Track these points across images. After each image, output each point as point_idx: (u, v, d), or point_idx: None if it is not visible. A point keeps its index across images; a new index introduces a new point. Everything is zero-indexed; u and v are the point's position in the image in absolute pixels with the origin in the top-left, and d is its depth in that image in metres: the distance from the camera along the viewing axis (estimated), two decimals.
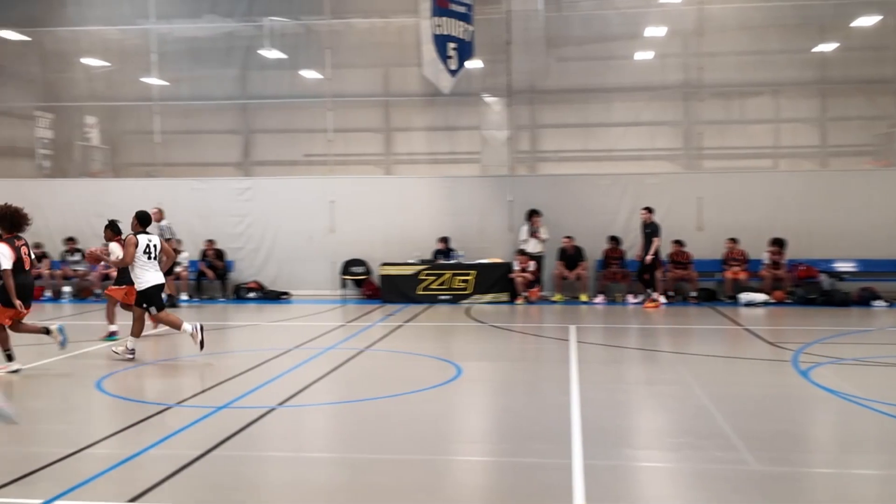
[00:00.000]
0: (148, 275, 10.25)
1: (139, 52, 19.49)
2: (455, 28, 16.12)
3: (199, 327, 10.19)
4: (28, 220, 9.64)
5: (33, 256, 9.90)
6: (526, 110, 19.36)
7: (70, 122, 21.90)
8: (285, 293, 17.75)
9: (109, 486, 5.39)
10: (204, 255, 17.67)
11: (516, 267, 16.57)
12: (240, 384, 8.65)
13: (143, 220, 10.51)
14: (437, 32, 15.86)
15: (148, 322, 10.88)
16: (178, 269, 17.44)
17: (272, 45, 19.33)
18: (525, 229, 17.00)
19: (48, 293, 17.63)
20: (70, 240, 17.97)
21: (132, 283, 10.44)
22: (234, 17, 19.25)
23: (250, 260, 18.20)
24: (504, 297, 16.52)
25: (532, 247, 16.79)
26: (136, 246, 10.10)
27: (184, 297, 17.36)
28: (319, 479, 5.74)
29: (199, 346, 10.13)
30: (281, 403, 7.70)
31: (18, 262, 9.27)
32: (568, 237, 16.82)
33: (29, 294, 9.60)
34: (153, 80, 19.53)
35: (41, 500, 5.02)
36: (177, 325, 10.31)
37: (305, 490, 5.43)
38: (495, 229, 17.61)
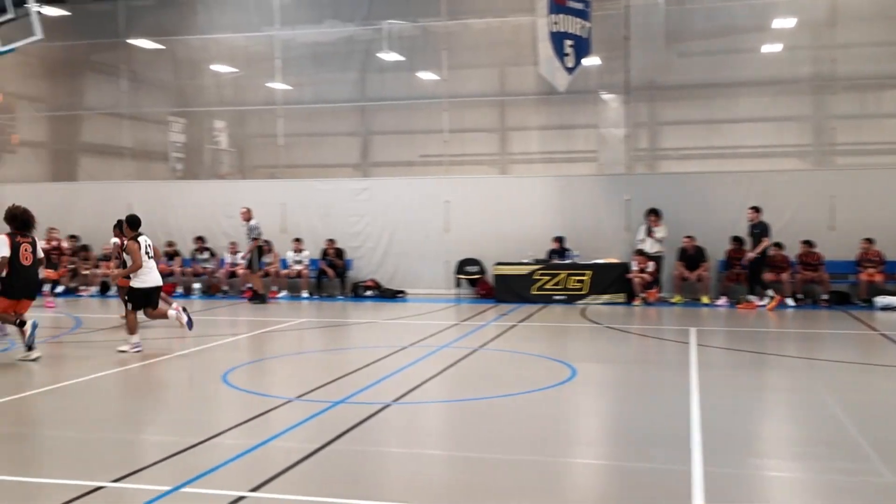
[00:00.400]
0: (149, 275, 10.75)
1: (264, 58, 20.22)
2: (572, 25, 15.92)
3: (181, 309, 10.92)
4: (35, 220, 10.24)
5: (41, 254, 10.38)
6: (645, 107, 18.92)
7: (200, 126, 22.99)
8: (401, 291, 18.02)
9: (233, 475, 5.60)
10: (324, 253, 18.15)
11: (634, 267, 16.22)
12: (356, 380, 8.82)
13: (133, 224, 11.01)
14: (554, 30, 15.71)
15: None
16: (298, 266, 18.01)
17: (390, 47, 19.67)
18: (642, 229, 16.63)
19: (179, 289, 18.51)
20: (199, 239, 18.82)
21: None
22: (355, 21, 19.68)
23: (368, 258, 18.56)
24: (621, 297, 16.20)
25: (648, 246, 16.40)
26: (140, 249, 10.63)
27: (304, 294, 17.89)
28: (434, 476, 5.78)
29: (186, 326, 10.85)
30: (396, 400, 7.80)
31: (15, 257, 9.77)
32: (688, 237, 16.33)
33: (26, 287, 10.05)
34: (277, 85, 20.22)
35: (169, 487, 5.26)
36: (164, 315, 10.92)
37: (420, 487, 5.47)
38: (611, 229, 17.30)
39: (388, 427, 7.04)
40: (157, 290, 10.94)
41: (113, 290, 18.48)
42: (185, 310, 11.03)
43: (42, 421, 7.52)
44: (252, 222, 17.15)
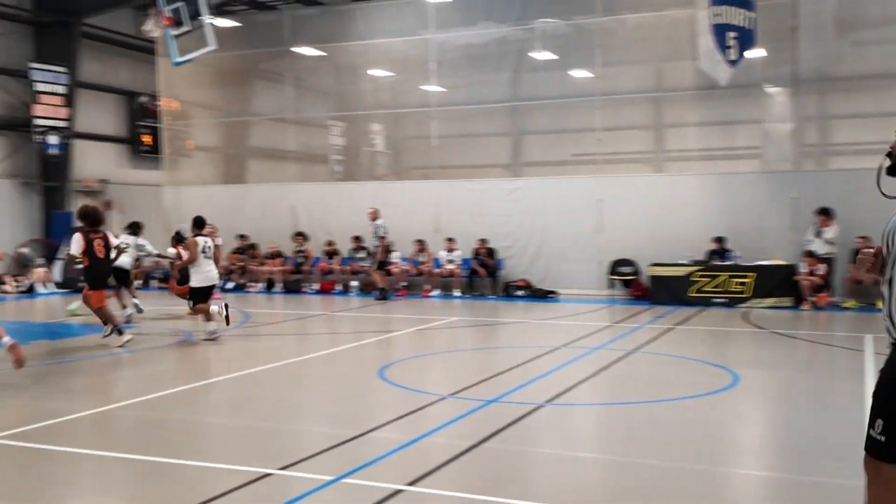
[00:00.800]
0: (203, 274, 11.79)
1: (419, 61, 20.63)
2: (735, 16, 15.26)
3: (223, 305, 11.81)
4: (104, 217, 11.58)
5: (116, 244, 11.89)
6: (814, 100, 17.85)
7: (358, 129, 23.78)
8: (552, 292, 17.89)
9: (390, 468, 5.74)
10: (476, 253, 18.31)
11: (803, 269, 15.34)
12: (509, 379, 8.84)
13: (198, 224, 12.24)
14: (716, 22, 15.11)
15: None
16: (451, 266, 18.26)
17: (543, 46, 19.57)
18: (811, 229, 15.71)
19: (338, 287, 19.21)
20: (356, 238, 19.42)
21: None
22: (508, 22, 19.72)
23: (519, 258, 18.56)
24: (787, 301, 15.37)
25: (818, 247, 15.47)
26: (197, 246, 11.73)
27: (456, 293, 18.12)
28: (587, 479, 5.70)
29: (224, 322, 11.68)
30: (549, 401, 7.75)
31: (90, 251, 10.91)
32: (862, 237, 15.25)
33: (101, 279, 11.24)
34: (431, 87, 20.59)
35: (331, 477, 5.46)
36: (208, 313, 11.72)
37: (573, 489, 5.41)
38: (776, 229, 16.42)
39: (541, 428, 7.01)
40: (212, 287, 12.02)
41: (278, 287, 19.45)
42: (226, 306, 11.97)
43: (213, 409, 8.00)
44: (378, 222, 17.74)
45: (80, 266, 11.32)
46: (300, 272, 19.58)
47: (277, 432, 6.85)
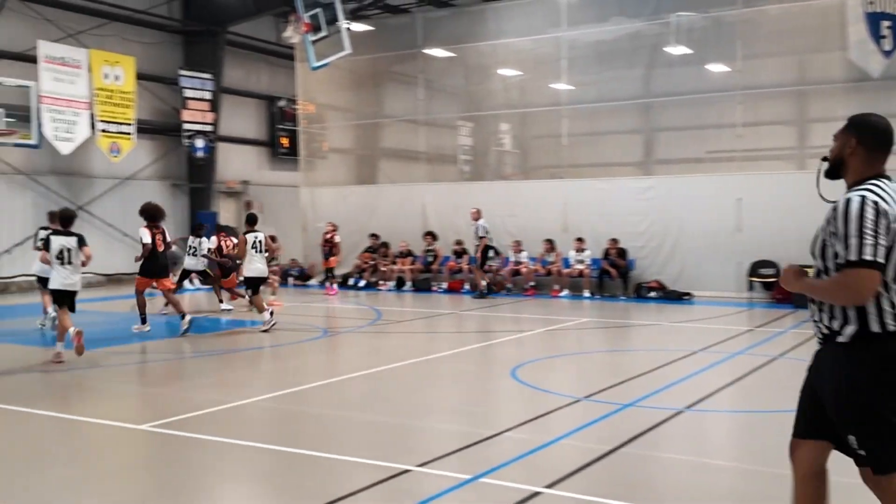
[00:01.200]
0: (254, 265, 12.76)
1: (549, 60, 20.47)
2: (890, 4, 14.33)
3: (270, 312, 12.45)
4: (164, 213, 12.72)
5: (168, 240, 12.62)
6: None
7: (487, 129, 23.84)
8: (687, 294, 17.33)
9: (524, 470, 5.70)
10: (606, 253, 17.99)
11: None
12: (644, 383, 8.62)
13: (251, 221, 13.23)
14: (869, 10, 14.24)
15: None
16: (580, 266, 18.02)
17: (678, 41, 18.99)
18: None
19: (466, 286, 19.31)
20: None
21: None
22: (641, 17, 19.26)
23: (652, 259, 18.09)
24: None
25: None
26: (247, 242, 12.75)
27: (586, 293, 17.87)
28: (726, 489, 5.47)
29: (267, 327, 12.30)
30: (688, 407, 7.50)
31: (152, 244, 12.07)
32: None
33: (160, 270, 12.37)
34: (561, 86, 20.38)
35: (467, 476, 5.47)
36: (261, 308, 12.55)
37: (707, 498, 5.21)
38: None
39: (679, 434, 6.79)
40: (262, 279, 13.11)
41: (408, 286, 19.75)
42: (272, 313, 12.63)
43: (348, 404, 8.19)
44: (481, 222, 17.87)
45: (141, 256, 12.43)
46: (429, 271, 19.82)
47: (411, 429, 6.94)
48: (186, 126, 22.50)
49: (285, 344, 11.67)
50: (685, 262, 17.70)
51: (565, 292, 18.11)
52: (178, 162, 23.45)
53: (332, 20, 18.87)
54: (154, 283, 12.57)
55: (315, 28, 19.09)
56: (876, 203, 3.35)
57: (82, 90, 19.41)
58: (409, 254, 20.18)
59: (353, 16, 20.92)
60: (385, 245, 20.74)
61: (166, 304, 13.88)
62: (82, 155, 20.39)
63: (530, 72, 21.62)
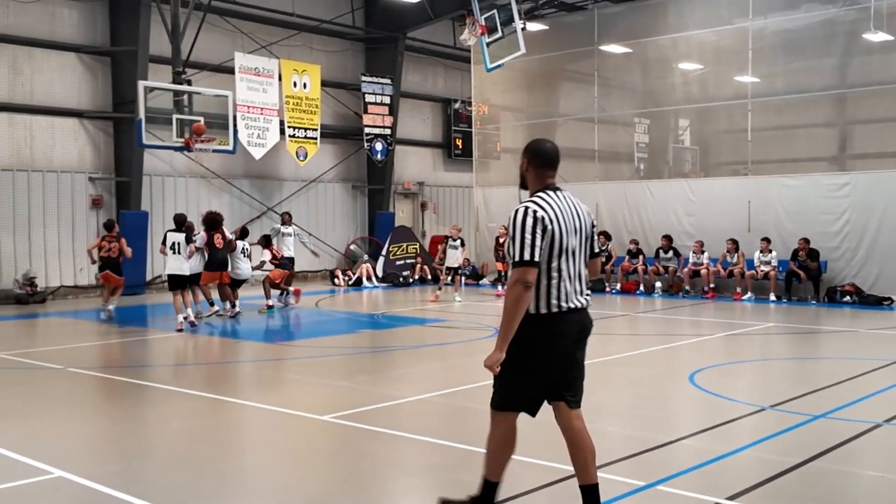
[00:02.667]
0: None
1: (733, 52, 19.54)
2: None
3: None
4: (222, 219, 14.47)
5: (231, 238, 14.53)
6: None
7: (664, 125, 23.08)
8: (887, 299, 15.98)
9: (703, 480, 5.44)
10: (795, 254, 16.92)
11: None
12: (837, 394, 8.02)
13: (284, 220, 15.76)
14: None
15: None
16: (765, 268, 17.06)
17: (877, 26, 17.53)
18: None
19: (641, 287, 18.79)
20: (666, 237, 18.82)
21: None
22: (836, 2, 17.98)
23: (846, 261, 16.83)
24: None
25: None
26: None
27: (772, 297, 16.89)
28: None
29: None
30: (887, 420, 6.89)
31: (211, 243, 13.86)
32: None
33: (220, 265, 14.15)
34: (746, 79, 19.37)
35: (642, 483, 5.30)
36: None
37: None
38: None
39: (876, 449, 6.26)
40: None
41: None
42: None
43: None
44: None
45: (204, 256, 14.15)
46: (602, 271, 19.46)
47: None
48: (367, 130, 23.37)
49: (456, 342, 11.84)
50: (885, 264, 16.33)
51: (749, 295, 17.21)
52: (359, 164, 24.40)
53: (508, 21, 18.95)
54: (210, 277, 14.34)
55: (491, 30, 19.25)
56: (535, 212, 4.28)
57: (273, 98, 20.63)
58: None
59: (529, 16, 20.92)
60: None
61: (286, 298, 15.89)
62: (272, 159, 21.68)
63: (712, 65, 20.72)
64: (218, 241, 14.16)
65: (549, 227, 4.27)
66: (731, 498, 4.99)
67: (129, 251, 14.50)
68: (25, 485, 5.47)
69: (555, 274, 4.33)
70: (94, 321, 14.37)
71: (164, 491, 5.37)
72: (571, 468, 5.57)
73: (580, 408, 4.65)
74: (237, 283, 14.85)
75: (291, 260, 16.66)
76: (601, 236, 19.64)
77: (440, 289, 18.20)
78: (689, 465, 5.72)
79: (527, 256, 4.21)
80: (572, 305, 4.41)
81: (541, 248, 4.23)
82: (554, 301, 4.34)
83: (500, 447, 4.61)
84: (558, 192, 4.45)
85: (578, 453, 4.57)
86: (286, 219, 17.45)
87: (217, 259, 14.16)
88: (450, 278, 18.09)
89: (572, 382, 4.59)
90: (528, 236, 4.21)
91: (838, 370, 9.40)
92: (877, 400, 7.76)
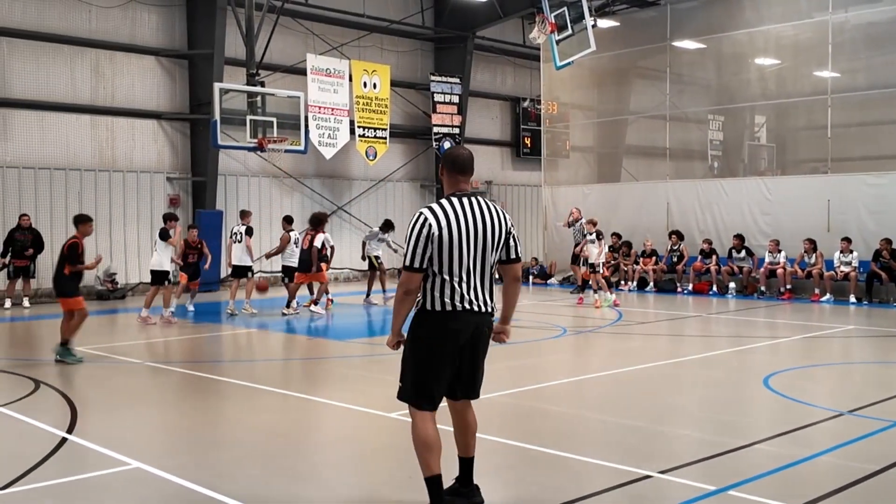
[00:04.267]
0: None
1: (812, 46, 18.97)
2: None
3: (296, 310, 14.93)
4: (326, 219, 15.32)
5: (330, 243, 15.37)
6: None
7: (740, 122, 22.55)
8: None
9: (777, 486, 5.30)
10: (877, 254, 16.32)
11: None
12: None
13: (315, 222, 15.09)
14: None
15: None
16: (846, 269, 16.52)
17: None
18: None
19: (714, 288, 18.38)
20: (738, 237, 18.39)
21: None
22: None
23: None
24: None
25: None
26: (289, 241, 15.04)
27: (852, 298, 16.33)
28: None
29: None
30: None
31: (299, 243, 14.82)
32: None
33: (304, 263, 14.77)
34: (826, 73, 18.77)
35: (713, 488, 5.19)
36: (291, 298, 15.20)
37: None
38: None
39: None
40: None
41: (650, 286, 19.19)
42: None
43: (589, 405, 8.09)
44: (583, 220, 17.57)
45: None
46: (674, 271, 19.12)
47: (653, 434, 6.72)
48: (435, 129, 23.47)
49: (526, 341, 11.79)
50: None
51: (827, 297, 16.68)
52: (427, 164, 24.53)
53: (578, 18, 18.77)
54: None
55: (560, 27, 19.10)
56: (425, 219, 4.58)
57: (344, 98, 20.90)
58: (653, 253, 19.61)
59: (599, 12, 20.69)
60: (628, 244, 20.29)
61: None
62: (342, 159, 21.97)
63: (790, 60, 20.15)
64: (304, 239, 14.90)
65: (437, 232, 4.56)
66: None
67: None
68: (105, 475, 5.68)
69: (446, 276, 4.61)
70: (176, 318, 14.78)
71: (238, 483, 5.49)
72: (638, 470, 5.53)
73: (475, 398, 5.00)
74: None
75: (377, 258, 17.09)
76: (673, 236, 19.32)
77: (595, 292, 16.48)
78: (762, 470, 5.57)
79: (407, 262, 4.60)
80: (466, 307, 4.65)
81: (424, 255, 4.56)
82: (447, 300, 4.62)
83: (419, 441, 4.74)
84: (466, 198, 4.69)
85: (463, 435, 4.97)
86: (387, 226, 17.46)
87: (304, 259, 14.83)
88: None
89: (464, 378, 4.86)
90: (412, 242, 4.57)
91: None
92: None
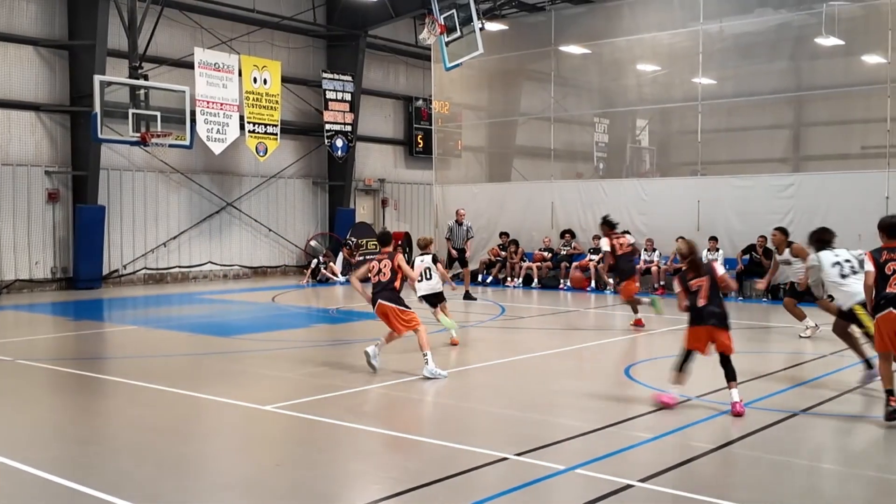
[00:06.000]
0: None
1: (687, 54, 19.94)
2: None
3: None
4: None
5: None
6: None
7: (623, 125, 23.50)
8: (831, 297, 16.46)
9: (626, 463, 5.73)
10: (751, 249, 17.26)
11: None
12: (771, 385, 8.38)
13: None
14: None
15: None
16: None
17: (828, 31, 18.04)
18: None
19: (593, 284, 19.11)
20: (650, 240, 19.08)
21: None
22: (787, 6, 18.46)
23: None
24: None
25: None
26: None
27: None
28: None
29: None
30: (805, 410, 7.25)
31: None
32: None
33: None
34: (699, 80, 19.81)
35: (563, 466, 5.56)
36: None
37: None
38: None
39: (786, 437, 6.59)
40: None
41: (534, 283, 19.79)
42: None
43: (468, 395, 8.40)
44: (468, 223, 18.33)
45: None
46: (557, 268, 19.79)
47: (517, 420, 7.07)
48: (327, 126, 23.48)
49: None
50: None
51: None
52: (320, 161, 24.50)
53: (467, 21, 19.16)
54: None
55: (450, 29, 19.44)
56: None
57: (233, 93, 20.64)
58: (549, 250, 20.22)
59: (488, 16, 21.17)
60: (515, 242, 20.86)
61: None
62: (232, 155, 21.70)
63: (668, 66, 21.15)
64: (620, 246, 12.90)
65: None
66: (643, 480, 5.29)
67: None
68: None
69: None
70: (48, 315, 14.34)
71: (106, 477, 5.53)
72: (498, 453, 5.83)
73: None
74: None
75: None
76: (567, 234, 19.97)
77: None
78: (613, 449, 6.01)
79: None
80: None
81: None
82: None
83: None
84: None
85: None
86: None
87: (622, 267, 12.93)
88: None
89: None
90: None
91: (771, 363, 9.76)
92: (799, 390, 8.13)
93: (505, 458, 5.78)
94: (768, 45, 19.36)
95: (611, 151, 23.57)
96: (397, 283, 8.96)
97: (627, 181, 20.76)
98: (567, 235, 20.06)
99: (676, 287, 7.61)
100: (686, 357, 7.44)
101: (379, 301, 8.95)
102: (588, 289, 19.00)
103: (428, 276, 10.88)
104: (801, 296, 11.33)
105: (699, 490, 5.20)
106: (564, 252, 19.90)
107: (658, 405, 7.34)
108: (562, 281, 19.56)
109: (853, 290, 8.15)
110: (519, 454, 5.87)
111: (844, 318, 8.42)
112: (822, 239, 8.94)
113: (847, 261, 8.50)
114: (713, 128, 19.60)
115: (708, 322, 7.27)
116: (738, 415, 6.98)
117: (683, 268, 7.58)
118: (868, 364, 8.09)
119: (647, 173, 22.73)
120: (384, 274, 8.96)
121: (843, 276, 8.39)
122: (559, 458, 5.85)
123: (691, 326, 7.42)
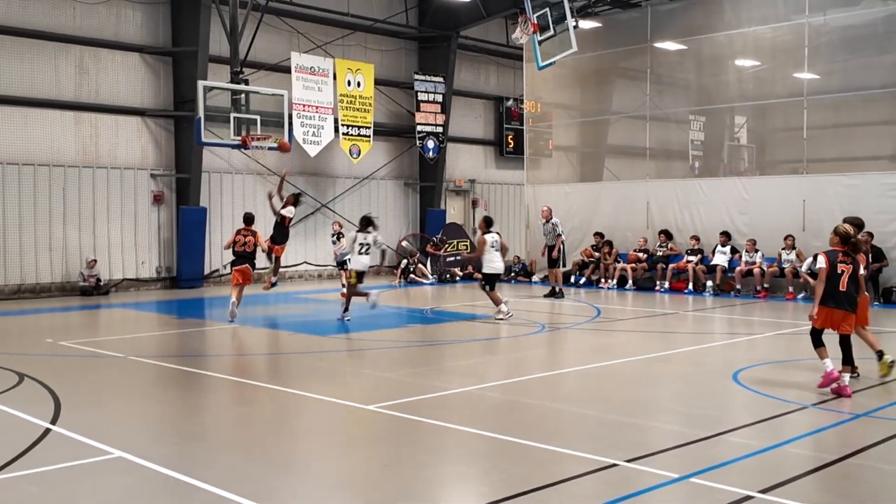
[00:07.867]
0: (494, 263, 13.77)
1: (791, 48, 19.24)
2: None
3: (507, 312, 13.41)
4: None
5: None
6: None
7: (720, 123, 22.82)
8: None
9: (742, 474, 5.51)
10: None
11: None
12: (881, 393, 7.95)
13: (488, 223, 14.12)
14: None
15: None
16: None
17: None
18: None
19: (691, 286, 18.61)
20: (724, 234, 18.53)
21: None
22: None
23: None
24: None
25: None
26: (486, 243, 13.76)
27: None
28: None
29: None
30: None
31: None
32: None
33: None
34: (803, 75, 19.06)
35: (677, 475, 5.40)
36: (497, 302, 13.53)
37: None
38: None
39: None
40: (498, 276, 14.17)
41: (629, 284, 19.43)
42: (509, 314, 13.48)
43: (565, 397, 8.29)
44: (554, 220, 17.73)
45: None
46: (654, 269, 19.35)
47: (625, 425, 6.91)
48: (419, 128, 23.63)
49: (506, 337, 11.98)
50: None
51: (802, 295, 16.96)
52: (411, 162, 24.69)
53: (560, 19, 18.96)
54: None
55: (543, 28, 19.28)
56: None
57: (328, 96, 21.02)
58: (645, 251, 19.82)
59: (581, 14, 20.90)
60: (609, 243, 20.52)
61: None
62: (326, 157, 22.08)
63: (768, 61, 20.43)
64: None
65: None
66: (763, 491, 5.06)
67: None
68: (88, 463, 5.82)
69: None
70: (153, 312, 14.85)
71: (219, 473, 5.65)
72: (609, 459, 5.73)
73: None
74: None
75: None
76: (662, 235, 19.53)
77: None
78: (725, 458, 5.79)
79: None
80: None
81: None
82: None
83: None
84: None
85: None
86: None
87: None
88: None
89: None
90: None
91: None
92: None
93: (615, 465, 5.64)
94: (876, 38, 18.45)
95: (707, 149, 22.92)
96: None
97: (727, 180, 20.16)
98: (663, 236, 19.62)
99: (821, 261, 7.84)
100: (819, 334, 8.03)
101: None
102: (686, 291, 18.53)
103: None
104: None
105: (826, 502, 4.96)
106: (660, 253, 19.47)
107: (834, 395, 7.66)
108: (658, 283, 19.13)
109: None
110: (629, 461, 5.72)
111: None
112: None
113: None
114: (819, 124, 18.82)
115: (844, 306, 7.78)
116: (845, 396, 7.55)
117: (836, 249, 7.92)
118: None
119: (745, 172, 22.01)
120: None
121: None
122: (670, 465, 5.67)
123: (827, 307, 7.82)
